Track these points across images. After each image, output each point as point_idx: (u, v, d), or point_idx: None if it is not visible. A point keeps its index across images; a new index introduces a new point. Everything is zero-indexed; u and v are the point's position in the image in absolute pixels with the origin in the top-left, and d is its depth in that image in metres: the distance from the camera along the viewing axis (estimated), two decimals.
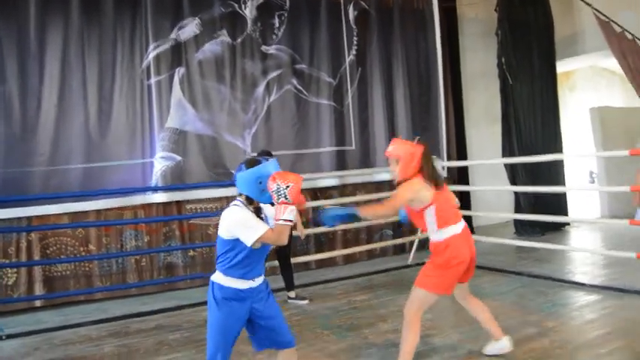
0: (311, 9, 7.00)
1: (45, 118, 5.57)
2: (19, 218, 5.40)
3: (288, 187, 2.32)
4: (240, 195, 2.52)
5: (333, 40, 7.12)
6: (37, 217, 5.44)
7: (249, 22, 6.61)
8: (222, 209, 2.84)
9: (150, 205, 5.99)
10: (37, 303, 5.42)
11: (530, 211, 7.44)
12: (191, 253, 6.18)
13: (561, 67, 9.02)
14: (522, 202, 7.74)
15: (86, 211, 5.66)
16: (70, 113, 5.68)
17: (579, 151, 10.14)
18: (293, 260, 5.30)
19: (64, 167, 5.62)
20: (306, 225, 5.82)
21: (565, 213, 8.32)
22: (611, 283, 4.97)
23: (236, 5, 6.54)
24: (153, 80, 6.05)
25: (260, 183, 2.41)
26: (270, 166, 2.44)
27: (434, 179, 3.10)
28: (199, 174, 6.21)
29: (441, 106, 7.46)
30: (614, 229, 7.74)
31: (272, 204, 2.45)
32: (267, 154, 4.84)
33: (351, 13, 7.26)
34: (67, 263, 5.62)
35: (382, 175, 7.14)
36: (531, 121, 8.04)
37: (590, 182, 11.23)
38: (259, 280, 2.56)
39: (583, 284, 5.09)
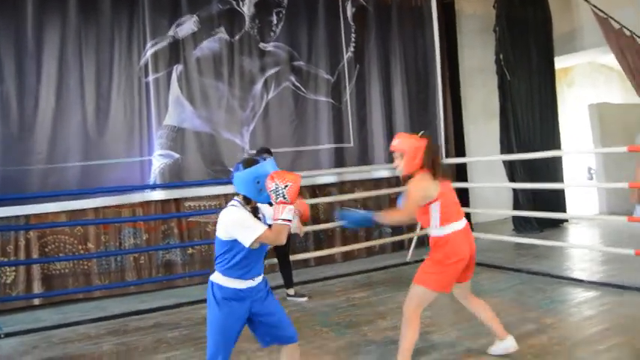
0: (309, 6, 6.98)
1: (43, 117, 5.56)
2: (17, 216, 5.39)
3: (286, 186, 2.31)
4: (238, 195, 2.51)
5: (331, 37, 7.09)
6: (35, 215, 5.44)
7: (247, 19, 6.59)
8: (220, 207, 2.84)
9: (148, 202, 5.98)
10: (36, 301, 5.41)
11: (529, 208, 7.45)
12: (190, 250, 6.17)
13: (559, 63, 9.00)
14: (521, 199, 7.74)
15: (84, 209, 5.65)
16: (68, 111, 5.67)
17: (578, 147, 10.13)
18: (292, 257, 5.29)
19: (62, 165, 5.62)
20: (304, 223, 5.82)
21: (563, 210, 8.32)
22: (610, 280, 4.97)
23: (234, 2, 6.51)
24: (151, 78, 6.04)
25: (258, 183, 2.40)
26: (267, 165, 2.43)
27: (439, 173, 3.09)
28: (197, 171, 6.20)
29: (439, 102, 7.44)
30: (613, 226, 7.73)
31: (270, 204, 2.44)
32: (266, 151, 4.84)
33: (349, 10, 7.23)
34: (66, 261, 5.63)
35: (380, 172, 7.16)
36: (529, 117, 8.03)
37: (588, 179, 11.23)
38: (259, 279, 2.55)
39: (581, 281, 5.09)
